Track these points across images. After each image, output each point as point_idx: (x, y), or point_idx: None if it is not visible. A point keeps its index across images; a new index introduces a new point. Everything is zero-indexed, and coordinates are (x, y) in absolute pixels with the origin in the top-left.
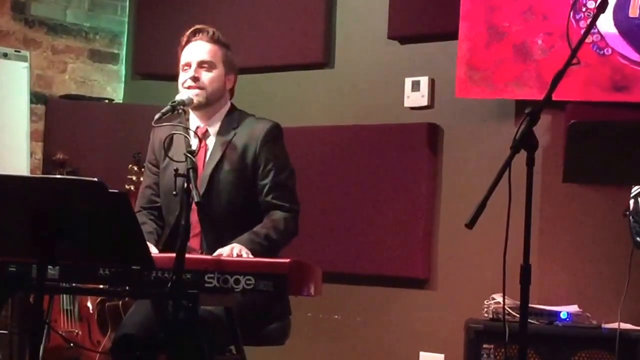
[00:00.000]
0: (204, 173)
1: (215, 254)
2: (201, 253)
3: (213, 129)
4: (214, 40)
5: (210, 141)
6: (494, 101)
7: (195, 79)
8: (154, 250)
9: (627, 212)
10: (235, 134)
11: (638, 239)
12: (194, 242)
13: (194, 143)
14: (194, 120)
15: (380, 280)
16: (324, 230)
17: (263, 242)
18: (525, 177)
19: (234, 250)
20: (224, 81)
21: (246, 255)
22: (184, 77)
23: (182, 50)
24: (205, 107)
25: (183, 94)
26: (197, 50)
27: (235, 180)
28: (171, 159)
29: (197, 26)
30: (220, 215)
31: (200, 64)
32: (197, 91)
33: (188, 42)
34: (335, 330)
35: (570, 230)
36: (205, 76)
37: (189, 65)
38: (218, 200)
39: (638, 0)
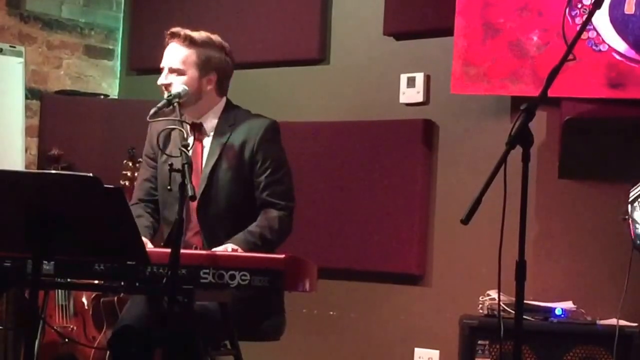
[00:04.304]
0: (203, 171)
1: None
2: (202, 249)
3: (209, 126)
4: (186, 43)
5: (208, 139)
6: (490, 97)
7: (166, 86)
8: (149, 245)
9: (626, 217)
10: (232, 132)
11: (638, 242)
12: (196, 239)
13: (190, 138)
14: (187, 118)
15: (375, 277)
16: (319, 227)
17: (257, 242)
18: (520, 173)
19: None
20: (198, 84)
21: None
22: (159, 80)
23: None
24: (185, 107)
25: (177, 88)
26: (169, 56)
27: (233, 177)
28: (167, 155)
29: (173, 29)
30: (220, 213)
31: (171, 70)
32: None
33: (166, 43)
34: (330, 326)
35: (565, 226)
36: (176, 81)
37: (162, 69)
38: (217, 198)
39: None
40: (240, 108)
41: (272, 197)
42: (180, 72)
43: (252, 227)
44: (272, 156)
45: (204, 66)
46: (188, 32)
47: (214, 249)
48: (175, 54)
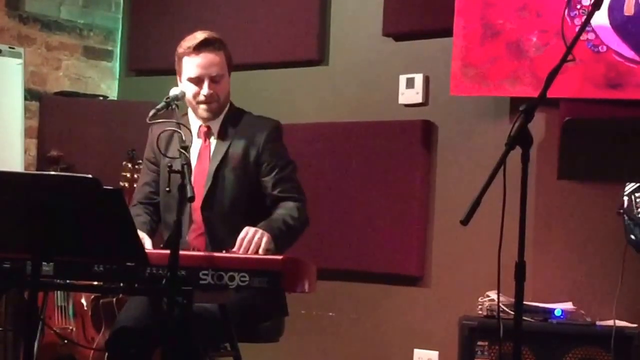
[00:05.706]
0: (208, 171)
1: (239, 238)
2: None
3: (214, 128)
4: (219, 48)
5: (212, 140)
6: (489, 98)
7: (210, 95)
8: (147, 240)
9: (622, 210)
10: (236, 133)
11: (632, 237)
12: (199, 242)
13: (198, 142)
14: (196, 120)
15: (375, 278)
16: (318, 227)
17: (282, 227)
18: (520, 174)
19: (256, 235)
20: (229, 85)
21: (267, 240)
22: (194, 90)
23: (185, 57)
24: (217, 115)
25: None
26: (208, 65)
27: (238, 178)
28: (169, 157)
29: (201, 37)
30: (224, 213)
31: (213, 79)
32: (210, 105)
33: (196, 53)
34: (329, 328)
35: (564, 227)
36: (218, 89)
37: (199, 80)
38: (222, 198)
39: None
40: (241, 109)
41: (285, 193)
42: (222, 77)
43: (273, 215)
44: (277, 156)
45: (230, 66)
46: (213, 35)
47: (243, 231)
48: (214, 62)
